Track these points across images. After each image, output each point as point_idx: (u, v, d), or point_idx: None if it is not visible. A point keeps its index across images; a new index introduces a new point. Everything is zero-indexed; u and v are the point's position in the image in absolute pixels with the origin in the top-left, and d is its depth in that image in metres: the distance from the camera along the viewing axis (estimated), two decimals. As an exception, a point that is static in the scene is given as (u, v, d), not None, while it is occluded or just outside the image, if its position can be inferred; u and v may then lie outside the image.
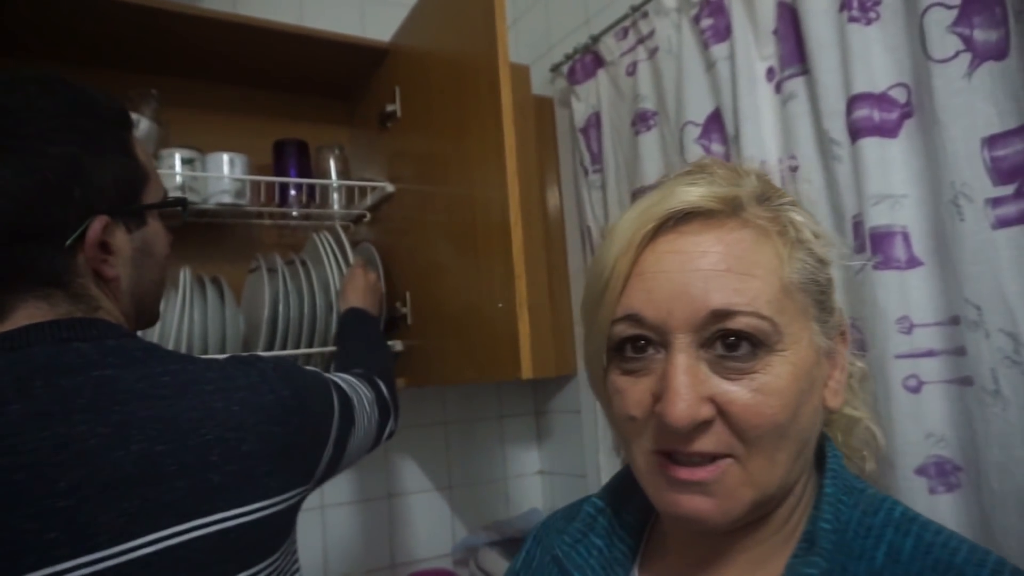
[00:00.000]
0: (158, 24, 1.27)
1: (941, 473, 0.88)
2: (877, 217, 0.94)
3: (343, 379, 0.95)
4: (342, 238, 1.43)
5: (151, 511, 0.62)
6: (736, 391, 0.47)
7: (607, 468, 1.53)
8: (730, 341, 0.47)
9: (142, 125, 1.26)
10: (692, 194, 0.50)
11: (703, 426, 0.47)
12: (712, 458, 0.47)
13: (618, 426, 0.53)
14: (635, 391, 0.50)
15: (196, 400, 0.68)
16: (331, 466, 0.84)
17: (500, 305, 1.04)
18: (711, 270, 0.48)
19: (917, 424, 0.89)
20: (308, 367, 0.86)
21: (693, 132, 1.26)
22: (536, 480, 1.85)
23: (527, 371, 0.99)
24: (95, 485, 0.60)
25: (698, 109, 1.25)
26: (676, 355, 0.48)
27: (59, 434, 0.61)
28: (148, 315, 0.83)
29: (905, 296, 0.91)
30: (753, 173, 0.54)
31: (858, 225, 0.97)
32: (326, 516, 1.57)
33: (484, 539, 1.65)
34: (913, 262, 0.92)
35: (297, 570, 0.79)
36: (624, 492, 0.61)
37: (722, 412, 0.47)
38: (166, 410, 0.66)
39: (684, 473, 0.48)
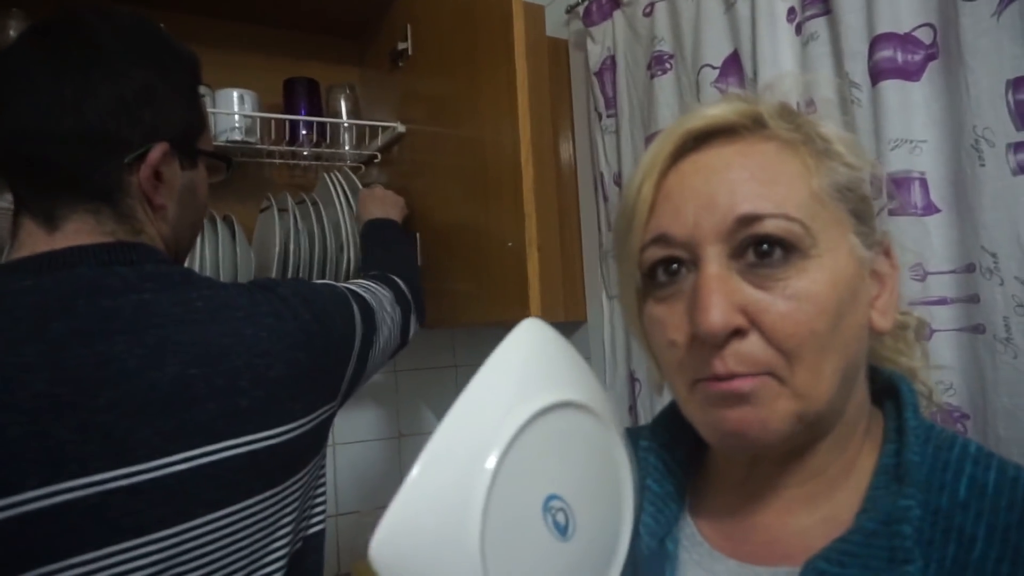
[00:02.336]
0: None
1: (948, 421, 0.88)
2: (895, 162, 0.92)
3: (360, 285, 0.96)
4: (353, 178, 1.43)
5: (185, 430, 0.65)
6: (769, 299, 0.45)
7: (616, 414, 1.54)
8: (762, 249, 0.45)
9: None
10: (711, 111, 0.50)
11: (738, 337, 0.45)
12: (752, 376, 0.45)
13: (660, 358, 0.51)
14: (672, 315, 0.49)
15: (227, 326, 0.70)
16: (355, 379, 0.87)
17: (510, 244, 1.04)
18: (736, 179, 0.47)
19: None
20: (323, 281, 0.88)
21: (710, 75, 1.23)
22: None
23: (536, 310, 0.99)
24: (133, 403, 0.63)
25: (716, 51, 1.22)
26: (706, 266, 0.46)
27: (100, 352, 0.63)
28: (179, 257, 0.84)
29: (920, 243, 0.90)
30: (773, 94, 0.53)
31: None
32: (337, 454, 1.60)
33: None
34: (930, 208, 0.90)
35: (322, 485, 0.83)
36: (671, 428, 0.59)
37: (756, 323, 0.45)
38: (200, 334, 0.68)
39: (724, 384, 0.45)
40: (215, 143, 1.34)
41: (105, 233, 0.71)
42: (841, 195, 0.48)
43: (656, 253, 0.49)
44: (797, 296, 0.45)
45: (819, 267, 0.45)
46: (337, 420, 1.73)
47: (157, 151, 0.73)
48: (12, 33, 1.15)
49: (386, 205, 1.32)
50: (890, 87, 0.93)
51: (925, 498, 0.44)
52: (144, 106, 0.72)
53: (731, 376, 0.45)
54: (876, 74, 0.95)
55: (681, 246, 0.48)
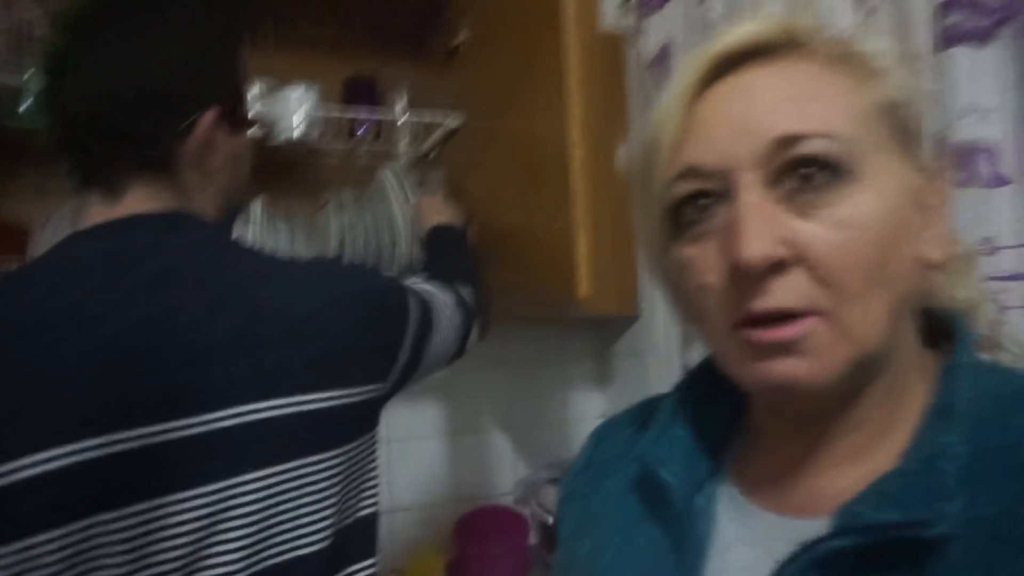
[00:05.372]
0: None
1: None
2: (962, 132, 0.87)
3: (417, 284, 0.96)
4: (402, 176, 1.45)
5: (237, 384, 0.66)
6: (814, 229, 0.41)
7: (670, 411, 1.50)
8: (803, 172, 0.41)
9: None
10: (744, 28, 0.46)
11: (779, 271, 0.41)
12: (795, 317, 0.41)
13: (691, 305, 0.47)
14: (704, 256, 0.44)
15: (279, 289, 0.72)
16: (409, 368, 0.86)
17: (557, 226, 1.03)
18: (773, 100, 0.43)
19: (999, 352, 0.84)
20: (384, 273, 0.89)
21: (767, 58, 1.20)
22: (597, 424, 1.84)
23: (585, 291, 0.97)
24: (189, 356, 0.65)
25: (773, 34, 1.20)
26: (742, 194, 0.42)
27: (162, 305, 0.66)
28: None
29: (989, 216, 0.85)
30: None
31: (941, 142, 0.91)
32: (391, 450, 1.61)
33: (546, 476, 1.66)
34: (999, 180, 0.85)
35: (374, 466, 0.83)
36: (706, 383, 0.55)
37: (801, 256, 0.41)
38: (252, 294, 0.70)
39: (768, 334, 0.41)
40: (275, 141, 1.38)
41: (162, 200, 0.74)
42: (888, 115, 0.44)
43: (684, 188, 0.45)
44: (845, 223, 0.41)
45: (866, 190, 0.41)
46: (391, 416, 1.75)
47: (210, 116, 0.75)
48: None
49: (442, 212, 1.30)
50: (958, 54, 0.89)
51: (974, 434, 0.40)
52: (201, 70, 0.75)
53: (774, 316, 0.41)
54: (943, 41, 0.91)
55: (713, 176, 0.44)
